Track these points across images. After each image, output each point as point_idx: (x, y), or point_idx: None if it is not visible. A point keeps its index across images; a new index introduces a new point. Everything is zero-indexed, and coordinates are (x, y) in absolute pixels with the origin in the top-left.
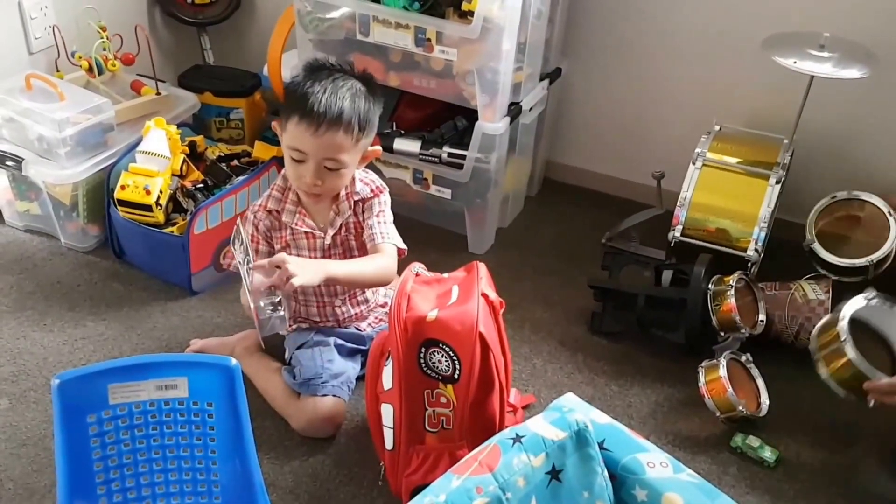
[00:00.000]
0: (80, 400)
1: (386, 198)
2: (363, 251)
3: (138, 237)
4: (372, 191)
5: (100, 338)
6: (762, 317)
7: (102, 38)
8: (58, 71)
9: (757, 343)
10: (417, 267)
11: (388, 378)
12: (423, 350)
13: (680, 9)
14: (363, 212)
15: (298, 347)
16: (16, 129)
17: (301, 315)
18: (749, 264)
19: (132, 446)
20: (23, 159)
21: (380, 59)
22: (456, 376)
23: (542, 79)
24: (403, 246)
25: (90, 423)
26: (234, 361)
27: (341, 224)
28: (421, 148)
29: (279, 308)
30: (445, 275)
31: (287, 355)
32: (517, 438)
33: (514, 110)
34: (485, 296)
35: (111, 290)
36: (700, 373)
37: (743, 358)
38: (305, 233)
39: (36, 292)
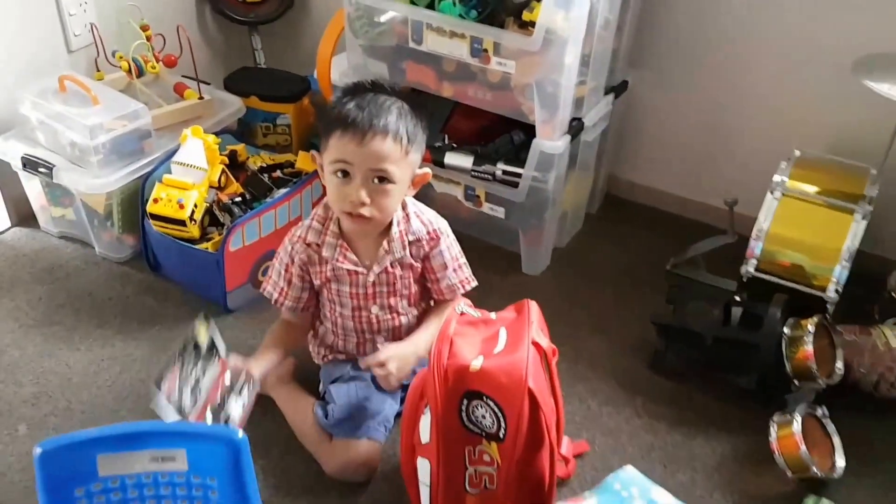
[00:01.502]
0: (67, 471)
1: (448, 241)
2: (409, 294)
3: (172, 251)
4: (429, 233)
5: (127, 358)
6: (839, 365)
7: (143, 37)
8: (98, 71)
9: (832, 390)
10: (462, 305)
11: (425, 429)
12: (464, 402)
13: (762, 22)
14: (422, 258)
15: (333, 381)
16: (49, 133)
17: (338, 348)
18: (828, 305)
19: None
20: (54, 166)
21: (433, 67)
22: (501, 435)
23: (607, 92)
24: (475, 283)
25: (78, 498)
26: (240, 434)
27: (390, 263)
28: (473, 163)
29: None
30: (493, 315)
31: (321, 388)
32: None
33: (576, 127)
34: (536, 344)
35: (144, 305)
36: (772, 427)
37: (819, 412)
38: (347, 270)
39: (65, 305)
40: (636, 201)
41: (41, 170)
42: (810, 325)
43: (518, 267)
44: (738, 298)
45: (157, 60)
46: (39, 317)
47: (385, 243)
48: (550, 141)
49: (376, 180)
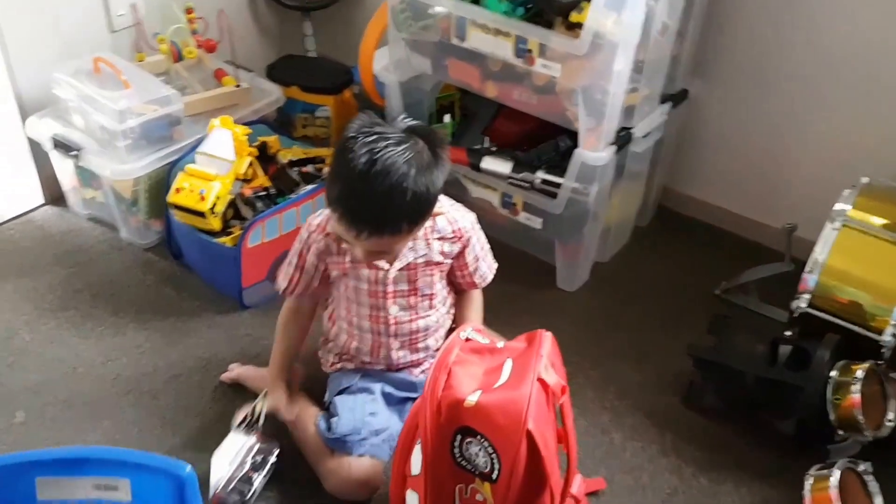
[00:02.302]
0: (5, 492)
1: (477, 234)
2: (430, 294)
3: (192, 242)
4: (454, 231)
5: (137, 350)
6: (890, 416)
7: (183, 21)
8: (139, 52)
9: (879, 444)
10: (469, 330)
11: (417, 460)
12: (458, 438)
13: (840, 36)
14: (454, 256)
15: (340, 392)
16: (81, 115)
17: (350, 351)
18: (883, 349)
19: None
20: (82, 148)
21: (477, 65)
22: (494, 476)
23: (663, 101)
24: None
25: None
26: (188, 468)
27: (413, 259)
28: (512, 170)
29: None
30: (501, 343)
31: (326, 398)
32: None
33: (623, 137)
34: (542, 381)
35: (162, 295)
36: (807, 480)
37: (861, 467)
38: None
39: (83, 290)
40: (691, 216)
41: (70, 152)
42: (860, 370)
43: (553, 281)
44: (787, 334)
45: (198, 45)
46: (56, 301)
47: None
48: (594, 152)
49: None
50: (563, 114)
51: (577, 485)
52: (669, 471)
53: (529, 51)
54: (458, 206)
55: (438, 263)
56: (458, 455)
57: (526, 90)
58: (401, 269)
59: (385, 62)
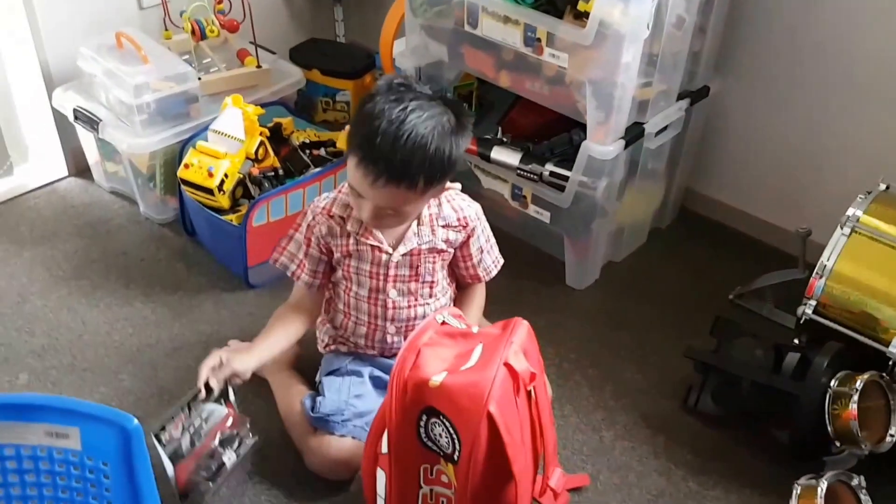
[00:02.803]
0: None
1: (482, 225)
2: (431, 281)
3: (202, 219)
4: (458, 220)
5: (143, 321)
6: (893, 431)
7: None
8: (166, 30)
9: (880, 459)
10: (446, 314)
11: (387, 440)
12: (423, 418)
13: (866, 37)
14: (457, 246)
15: (329, 373)
16: (103, 88)
17: (346, 331)
18: (890, 363)
19: (22, 492)
20: (101, 121)
21: (491, 54)
22: (455, 457)
23: (680, 97)
24: (502, 261)
25: None
26: (135, 422)
27: (417, 245)
28: (521, 161)
29: (215, 477)
30: (475, 329)
31: (317, 378)
32: None
33: (634, 132)
34: (508, 365)
35: (172, 269)
36: (794, 491)
37: (854, 481)
38: (371, 245)
39: (98, 261)
40: (713, 219)
41: (90, 124)
42: (860, 380)
43: (563, 277)
44: (796, 342)
45: (222, 25)
46: (70, 270)
47: (414, 225)
48: (601, 145)
49: (389, 211)
50: (573, 106)
51: (557, 478)
52: (658, 472)
53: (538, 40)
54: (464, 195)
55: (441, 251)
56: (423, 435)
57: (538, 81)
58: (404, 255)
59: (401, 49)
